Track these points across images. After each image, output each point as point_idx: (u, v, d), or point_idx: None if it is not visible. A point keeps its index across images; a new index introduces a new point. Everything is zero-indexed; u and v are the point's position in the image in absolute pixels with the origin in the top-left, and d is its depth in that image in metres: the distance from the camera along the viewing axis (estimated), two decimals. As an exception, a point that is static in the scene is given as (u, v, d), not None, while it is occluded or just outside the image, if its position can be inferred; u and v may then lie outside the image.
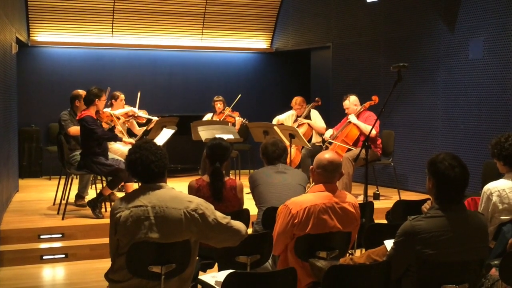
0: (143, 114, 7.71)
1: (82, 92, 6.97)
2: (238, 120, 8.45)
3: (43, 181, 9.14)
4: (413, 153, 8.19)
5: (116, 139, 6.65)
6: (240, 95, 8.61)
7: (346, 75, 9.29)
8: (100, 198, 6.36)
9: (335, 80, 9.52)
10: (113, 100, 7.61)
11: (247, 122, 8.30)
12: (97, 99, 6.37)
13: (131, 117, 7.53)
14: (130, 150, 3.20)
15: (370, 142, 6.78)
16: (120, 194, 6.72)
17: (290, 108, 8.32)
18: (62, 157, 6.53)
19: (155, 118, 7.74)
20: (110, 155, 6.60)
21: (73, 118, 6.85)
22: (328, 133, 7.56)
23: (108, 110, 7.22)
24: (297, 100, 8.11)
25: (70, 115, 6.89)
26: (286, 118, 8.28)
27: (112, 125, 6.79)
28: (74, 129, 6.75)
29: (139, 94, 7.76)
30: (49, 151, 9.07)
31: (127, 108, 7.63)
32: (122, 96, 7.69)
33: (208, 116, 8.78)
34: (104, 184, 6.80)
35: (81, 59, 9.76)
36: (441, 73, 7.81)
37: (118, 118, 7.11)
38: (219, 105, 8.67)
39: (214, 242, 3.18)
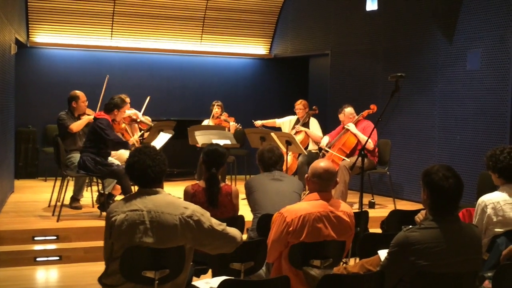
0: (146, 120, 7.68)
1: (79, 93, 6.98)
2: (233, 125, 8.47)
3: (39, 182, 9.12)
4: (409, 163, 8.20)
5: (127, 147, 6.54)
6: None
7: (344, 83, 9.32)
8: (112, 198, 6.43)
9: (333, 87, 9.54)
10: None
11: (241, 128, 8.35)
12: (116, 110, 6.46)
13: (133, 122, 7.53)
14: (130, 153, 3.22)
15: (367, 151, 6.79)
16: (118, 198, 6.72)
17: (288, 113, 8.34)
18: (58, 158, 6.53)
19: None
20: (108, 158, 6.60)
21: (71, 118, 6.85)
22: (324, 141, 7.56)
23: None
24: (302, 101, 8.16)
25: (68, 115, 6.88)
26: (284, 122, 8.30)
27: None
28: (75, 125, 6.74)
29: (148, 99, 7.75)
30: (46, 152, 9.06)
31: (132, 111, 7.62)
32: (128, 100, 7.68)
33: (205, 122, 8.81)
34: (100, 187, 6.80)
35: (79, 61, 9.76)
36: (438, 83, 7.83)
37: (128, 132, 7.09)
38: (216, 110, 8.69)
39: (209, 249, 3.19)
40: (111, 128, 6.38)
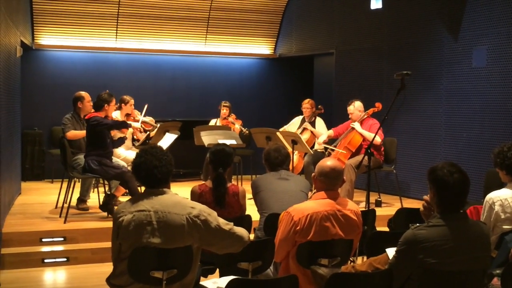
0: (150, 121, 7.69)
1: (84, 94, 6.98)
2: (237, 128, 8.47)
3: (46, 184, 9.15)
4: (416, 161, 8.18)
5: (127, 126, 6.70)
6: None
7: (349, 82, 9.30)
8: (113, 199, 6.41)
9: (338, 86, 9.53)
10: (122, 104, 7.62)
11: (247, 132, 8.33)
12: (106, 105, 6.43)
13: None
14: (137, 154, 3.22)
15: (374, 149, 6.78)
16: (124, 199, 6.72)
17: (293, 113, 8.33)
18: (65, 160, 6.54)
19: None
20: (114, 159, 6.61)
21: (75, 122, 6.84)
22: (322, 138, 7.57)
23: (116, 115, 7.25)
24: (309, 100, 8.17)
25: (73, 118, 6.87)
26: (292, 126, 8.29)
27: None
28: (72, 134, 6.73)
29: (146, 106, 7.76)
30: (52, 154, 9.07)
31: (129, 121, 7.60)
32: (132, 101, 7.70)
33: (213, 122, 8.83)
34: (107, 188, 6.81)
35: (85, 63, 9.77)
36: (444, 81, 7.81)
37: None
38: (224, 111, 8.72)
39: (216, 248, 3.19)
40: (105, 119, 6.37)
